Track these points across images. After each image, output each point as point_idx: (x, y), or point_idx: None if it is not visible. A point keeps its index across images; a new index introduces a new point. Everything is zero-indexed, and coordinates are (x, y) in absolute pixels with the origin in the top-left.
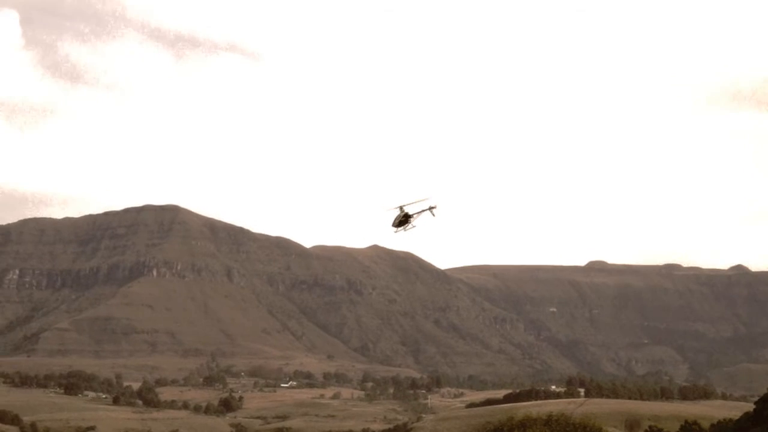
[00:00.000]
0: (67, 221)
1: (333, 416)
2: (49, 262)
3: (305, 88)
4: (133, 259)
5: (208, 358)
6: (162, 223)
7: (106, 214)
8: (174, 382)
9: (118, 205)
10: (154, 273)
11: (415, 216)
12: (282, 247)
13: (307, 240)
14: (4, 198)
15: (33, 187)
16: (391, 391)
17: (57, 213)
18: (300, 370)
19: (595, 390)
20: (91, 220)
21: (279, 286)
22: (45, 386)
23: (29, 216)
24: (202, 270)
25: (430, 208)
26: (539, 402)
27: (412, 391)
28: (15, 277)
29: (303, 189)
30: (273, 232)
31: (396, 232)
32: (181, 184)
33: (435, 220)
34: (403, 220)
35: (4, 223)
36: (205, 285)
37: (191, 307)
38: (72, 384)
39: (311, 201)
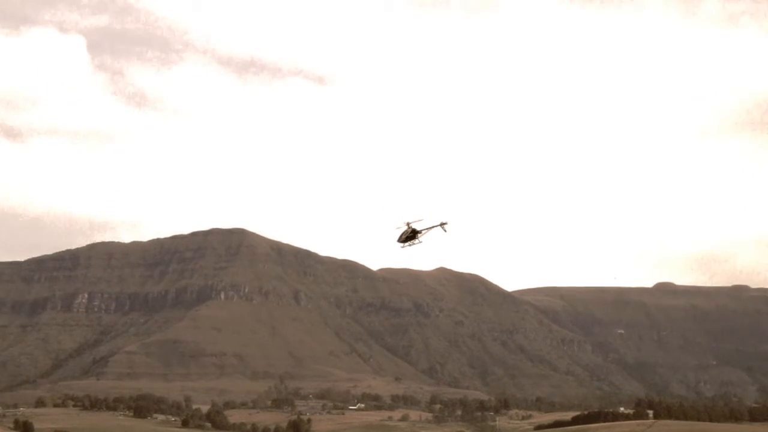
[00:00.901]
0: (136, 245)
1: None
2: (117, 286)
3: (370, 111)
4: (200, 283)
5: (276, 381)
6: (229, 247)
7: (174, 237)
8: (243, 405)
9: (185, 229)
10: (222, 296)
11: (423, 232)
12: (349, 269)
13: (374, 263)
14: (74, 223)
15: (102, 211)
16: (459, 413)
17: (125, 237)
18: (368, 392)
19: (664, 412)
20: (158, 243)
21: (346, 308)
22: (114, 409)
23: (98, 240)
24: (269, 293)
25: (442, 224)
26: (608, 424)
27: (480, 413)
28: (84, 300)
29: (370, 212)
30: (340, 254)
31: (402, 247)
32: (248, 207)
33: (446, 234)
34: (410, 236)
35: (73, 247)
36: (272, 308)
37: (259, 330)
38: (141, 407)
39: (378, 224)
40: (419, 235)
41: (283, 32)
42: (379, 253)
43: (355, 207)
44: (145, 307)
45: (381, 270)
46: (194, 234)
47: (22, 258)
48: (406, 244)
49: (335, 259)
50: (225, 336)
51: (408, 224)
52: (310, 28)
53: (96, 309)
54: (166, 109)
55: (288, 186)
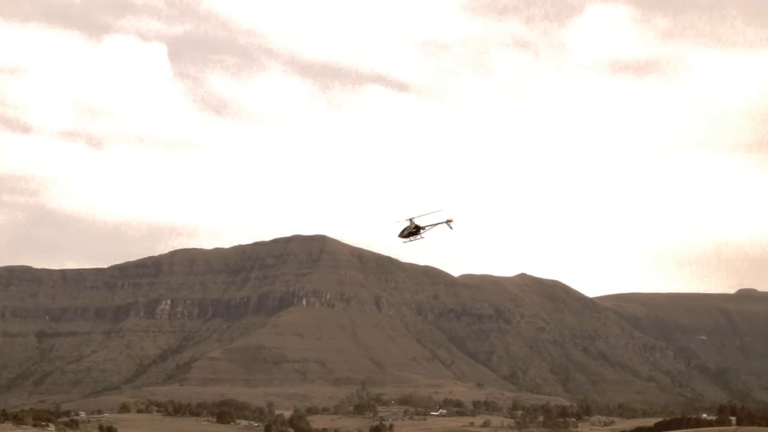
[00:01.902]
0: (217, 252)
1: None
2: (200, 292)
3: (451, 118)
4: (282, 289)
5: (358, 387)
6: (311, 253)
7: (256, 244)
8: (325, 411)
9: (267, 236)
10: (304, 302)
11: (427, 228)
12: (430, 275)
13: (455, 269)
14: (156, 230)
15: (183, 218)
16: (541, 419)
17: (207, 244)
18: (449, 398)
19: (747, 418)
20: (240, 250)
21: (427, 314)
22: (198, 415)
23: (180, 247)
24: (351, 299)
25: (447, 221)
26: (691, 430)
27: (561, 420)
28: (167, 307)
29: (452, 216)
30: (421, 261)
31: (405, 242)
32: (329, 214)
33: (451, 232)
34: (413, 232)
35: (155, 254)
36: (354, 314)
37: (341, 336)
38: (224, 413)
39: (459, 230)
40: (422, 231)
41: (364, 39)
42: (460, 259)
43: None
44: (228, 313)
45: (462, 276)
46: (276, 241)
47: (105, 265)
48: (408, 239)
49: (416, 265)
50: (307, 342)
51: (411, 220)
52: (392, 36)
53: (179, 315)
54: (247, 116)
55: (369, 192)
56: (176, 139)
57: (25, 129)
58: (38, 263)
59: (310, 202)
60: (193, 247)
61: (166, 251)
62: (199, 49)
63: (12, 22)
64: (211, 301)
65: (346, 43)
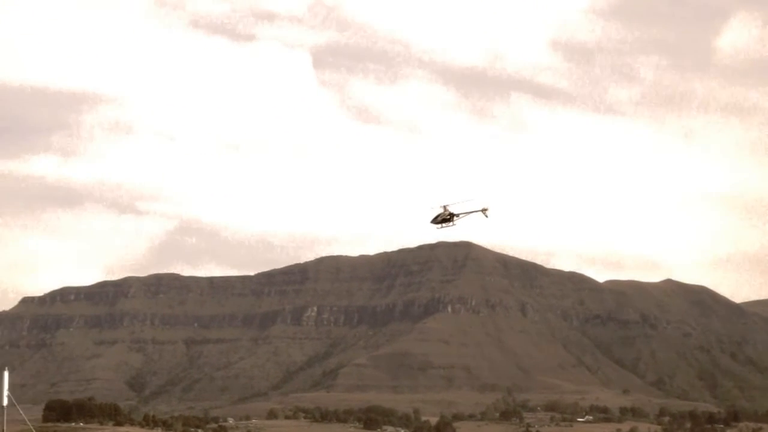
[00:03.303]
0: (363, 259)
1: None
2: (346, 299)
3: (596, 124)
4: (427, 296)
5: (504, 393)
6: (455, 260)
7: (401, 251)
8: (471, 417)
9: (412, 242)
10: (449, 309)
11: (461, 216)
12: (575, 281)
13: (600, 275)
14: (302, 237)
15: (329, 225)
16: (689, 425)
17: (352, 251)
18: (596, 404)
19: None
20: (386, 257)
21: (573, 320)
22: (344, 421)
23: (326, 254)
24: (496, 305)
25: (483, 210)
26: None
27: (709, 426)
28: (313, 314)
29: (596, 224)
30: (566, 267)
31: (438, 228)
32: (474, 220)
33: (487, 220)
34: (447, 218)
35: (301, 261)
36: (499, 320)
37: (486, 342)
38: (371, 419)
39: (604, 236)
40: (456, 218)
41: (506, 44)
42: (605, 265)
43: (581, 219)
44: (373, 320)
45: (607, 282)
46: (421, 247)
47: (252, 272)
48: (441, 225)
49: (561, 271)
50: (452, 348)
51: (444, 207)
52: (534, 41)
53: (325, 322)
54: (391, 123)
55: (513, 198)
56: (321, 147)
57: (172, 138)
58: (186, 271)
59: (456, 208)
60: (339, 254)
61: (312, 258)
62: (342, 56)
63: (160, 30)
64: (357, 307)
65: (488, 49)
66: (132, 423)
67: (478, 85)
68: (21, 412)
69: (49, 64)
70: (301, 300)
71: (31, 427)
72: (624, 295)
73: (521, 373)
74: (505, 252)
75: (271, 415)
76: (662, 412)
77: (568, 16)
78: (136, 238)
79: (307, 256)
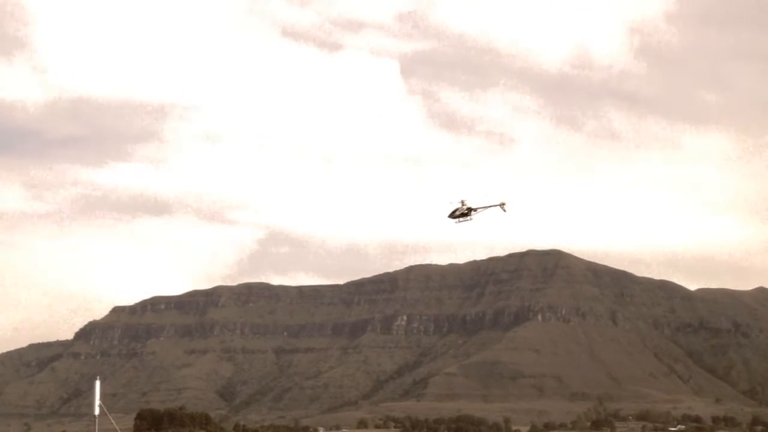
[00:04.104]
0: (452, 267)
1: None
2: (435, 308)
3: (688, 134)
4: (517, 304)
5: (594, 402)
6: (545, 268)
7: (490, 259)
8: (562, 426)
9: (501, 251)
10: (539, 317)
11: (479, 210)
12: (666, 290)
13: (691, 282)
14: (391, 245)
15: (418, 234)
16: None
17: (442, 259)
18: (688, 413)
19: None
20: (475, 265)
21: (664, 329)
22: (435, 430)
23: (415, 263)
24: (586, 314)
25: (501, 204)
26: None
27: None
28: (403, 323)
29: (686, 232)
30: (656, 275)
31: (456, 223)
32: (564, 228)
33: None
34: (465, 213)
35: (391, 270)
36: (589, 329)
37: (577, 351)
38: (461, 428)
39: (693, 244)
40: (473, 212)
41: (593, 52)
42: (696, 273)
43: (673, 227)
44: (463, 328)
45: (698, 290)
46: (510, 255)
47: (341, 281)
48: (459, 220)
49: (652, 279)
50: (543, 357)
51: (462, 201)
52: (621, 47)
53: (415, 331)
54: (479, 131)
55: (603, 206)
56: (409, 155)
57: (261, 146)
58: (276, 280)
59: (544, 217)
60: (429, 262)
61: (402, 267)
62: (430, 64)
63: (249, 39)
64: (447, 316)
65: (575, 56)
66: None
67: (565, 92)
68: (112, 421)
69: (139, 74)
70: (391, 309)
71: None
72: (716, 303)
73: (612, 382)
74: (595, 260)
75: (362, 424)
76: (755, 421)
77: (654, 22)
78: (226, 247)
79: (397, 264)
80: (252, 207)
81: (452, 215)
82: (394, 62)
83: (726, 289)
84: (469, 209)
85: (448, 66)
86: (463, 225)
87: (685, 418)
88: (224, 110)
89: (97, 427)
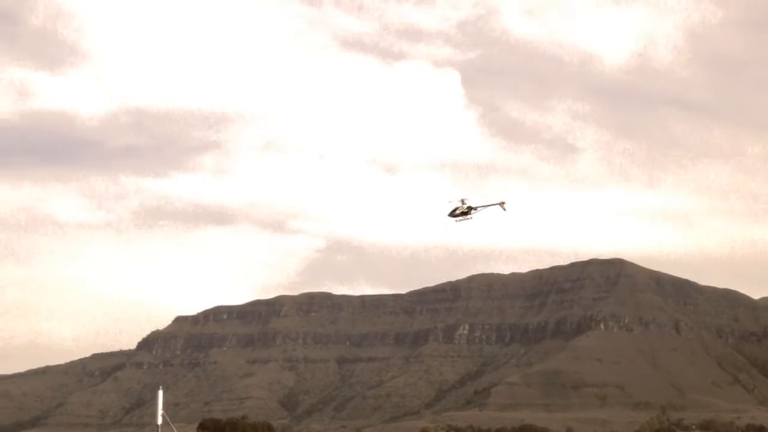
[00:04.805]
0: (515, 276)
1: None
2: (497, 317)
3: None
4: (580, 313)
5: (657, 412)
6: (608, 277)
7: (553, 268)
8: None
9: (564, 260)
10: (602, 327)
11: (478, 209)
12: (729, 299)
13: (755, 291)
14: (453, 255)
15: (480, 243)
16: None
17: (504, 268)
18: (752, 423)
19: None
20: (537, 275)
21: (728, 338)
22: None
23: (477, 272)
24: (649, 323)
25: (501, 203)
26: None
27: None
28: (465, 332)
29: (750, 241)
30: (720, 284)
31: (456, 222)
32: (626, 236)
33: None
34: (465, 212)
35: (453, 279)
36: (652, 338)
37: (639, 360)
38: None
39: (757, 253)
40: (473, 211)
41: (654, 59)
42: (760, 282)
43: (736, 236)
44: (525, 338)
45: (762, 299)
46: (573, 265)
47: (404, 291)
48: (459, 219)
49: (715, 288)
50: (606, 366)
51: (462, 200)
52: (682, 53)
53: (477, 340)
54: (540, 141)
55: (665, 215)
56: (470, 165)
57: (324, 157)
58: (338, 290)
59: (606, 225)
60: (491, 271)
61: (464, 276)
62: (492, 74)
63: (310, 49)
64: (509, 325)
65: (635, 65)
66: None
67: (626, 99)
68: (175, 430)
69: (200, 84)
70: (453, 318)
71: None
72: None
73: (675, 391)
74: (658, 268)
75: None
76: None
77: (715, 28)
78: (288, 257)
79: (459, 273)
80: (313, 216)
81: (452, 214)
82: (454, 72)
83: None
84: (470, 208)
85: (509, 74)
86: (524, 233)
87: (749, 428)
88: (285, 120)
89: None
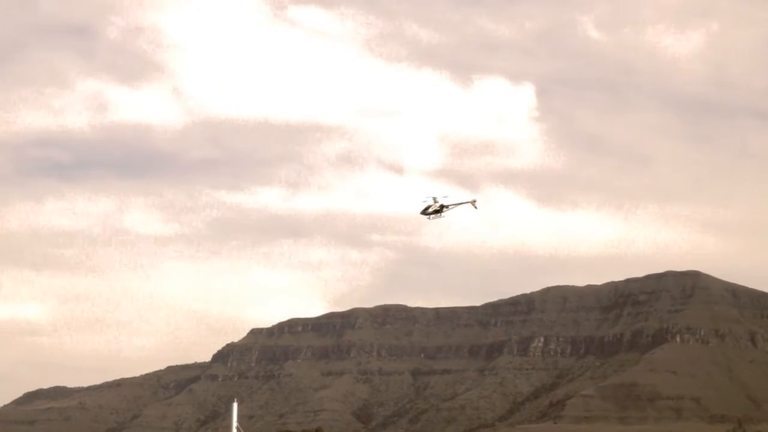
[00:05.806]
0: (590, 288)
1: None
2: (572, 330)
3: None
4: (655, 326)
5: (734, 424)
6: (683, 289)
7: (628, 281)
8: None
9: (639, 272)
10: (677, 339)
11: (451, 207)
12: None
13: None
14: (528, 266)
15: (555, 255)
16: None
17: (579, 281)
18: None
19: None
20: (612, 287)
21: None
22: None
23: (552, 284)
24: (725, 335)
25: (472, 202)
26: None
27: None
28: (540, 344)
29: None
30: None
31: (429, 219)
32: (703, 249)
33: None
34: (437, 210)
35: (528, 291)
36: (728, 350)
37: (715, 373)
38: None
39: None
40: (445, 209)
41: (734, 72)
42: None
43: None
44: (600, 350)
45: None
46: (648, 277)
47: (478, 303)
48: (431, 217)
49: None
50: (681, 379)
51: (435, 199)
52: (761, 69)
53: (552, 353)
54: (616, 152)
55: (741, 227)
56: (545, 177)
57: (398, 170)
58: (412, 302)
59: (683, 238)
60: (566, 284)
61: (539, 288)
62: (567, 86)
63: (384, 61)
64: (584, 338)
65: (713, 76)
66: None
67: (703, 110)
68: None
69: (276, 97)
70: (528, 330)
71: None
72: None
73: (752, 403)
74: (734, 280)
75: None
76: None
77: None
78: (363, 269)
79: (534, 286)
80: (389, 229)
81: (424, 212)
82: (530, 84)
83: None
84: (441, 206)
85: (586, 86)
86: (600, 245)
87: None
88: (361, 132)
89: None
